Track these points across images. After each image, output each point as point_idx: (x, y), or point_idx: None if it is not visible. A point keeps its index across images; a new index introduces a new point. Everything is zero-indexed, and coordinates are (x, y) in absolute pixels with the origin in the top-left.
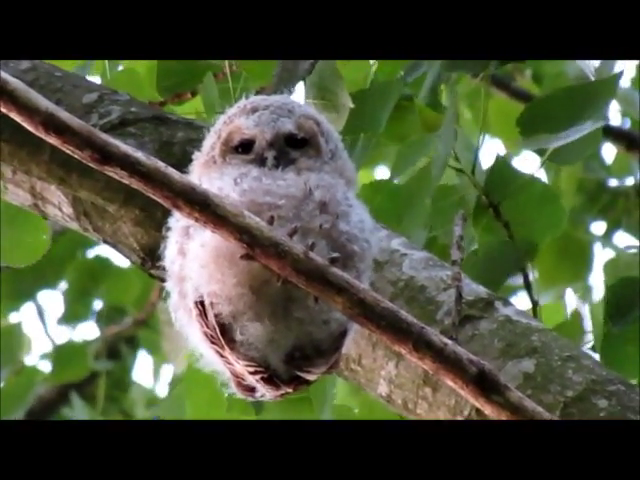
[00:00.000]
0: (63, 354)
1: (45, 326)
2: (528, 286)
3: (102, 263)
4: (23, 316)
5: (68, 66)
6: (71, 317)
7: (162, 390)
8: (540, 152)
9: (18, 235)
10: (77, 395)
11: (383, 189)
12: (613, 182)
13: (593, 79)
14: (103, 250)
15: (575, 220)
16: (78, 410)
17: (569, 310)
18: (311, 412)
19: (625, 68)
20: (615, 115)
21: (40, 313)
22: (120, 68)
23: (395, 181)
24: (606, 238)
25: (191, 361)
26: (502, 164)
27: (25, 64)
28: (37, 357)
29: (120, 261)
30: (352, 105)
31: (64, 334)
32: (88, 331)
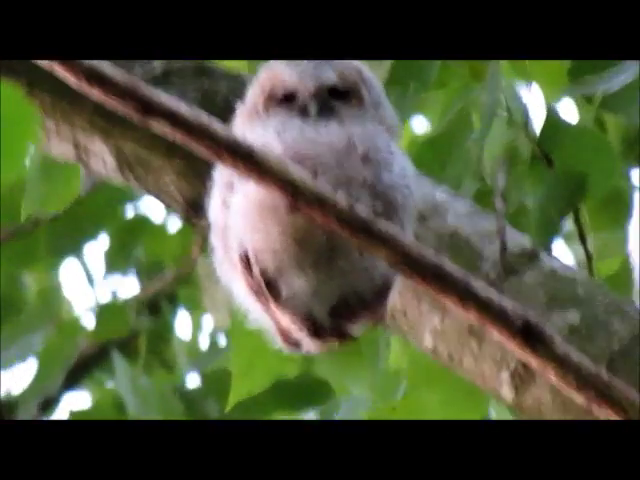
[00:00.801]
0: (105, 311)
1: (88, 281)
2: (582, 234)
3: (141, 220)
4: (64, 272)
5: None
6: (112, 273)
7: (204, 343)
8: (589, 101)
9: (51, 183)
10: (118, 352)
11: (422, 140)
12: None
13: None
14: (142, 207)
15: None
16: (119, 366)
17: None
18: (361, 367)
19: None
20: None
21: (82, 268)
22: None
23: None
24: None
25: (235, 314)
26: (553, 114)
27: None
28: (79, 313)
29: (160, 217)
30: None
31: (105, 291)
32: (129, 287)
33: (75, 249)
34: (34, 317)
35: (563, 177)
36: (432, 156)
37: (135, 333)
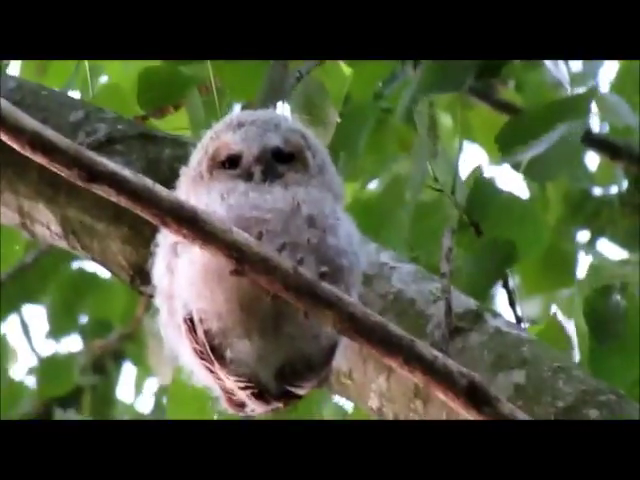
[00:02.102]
0: (48, 368)
1: (30, 340)
2: (511, 299)
3: (87, 277)
4: (7, 329)
5: (55, 77)
6: (56, 331)
7: (146, 405)
8: (518, 167)
9: None
10: (61, 411)
11: (357, 203)
12: (597, 191)
13: (568, 87)
14: (88, 264)
15: (561, 230)
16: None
17: (548, 318)
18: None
19: (604, 72)
20: (596, 121)
21: (25, 327)
22: (104, 80)
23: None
24: (590, 247)
25: (177, 376)
26: (482, 182)
27: (11, 83)
28: (22, 372)
29: (105, 274)
30: (338, 120)
31: (49, 349)
32: (73, 345)
33: (17, 308)
34: None
35: (491, 245)
36: (366, 222)
37: (79, 391)
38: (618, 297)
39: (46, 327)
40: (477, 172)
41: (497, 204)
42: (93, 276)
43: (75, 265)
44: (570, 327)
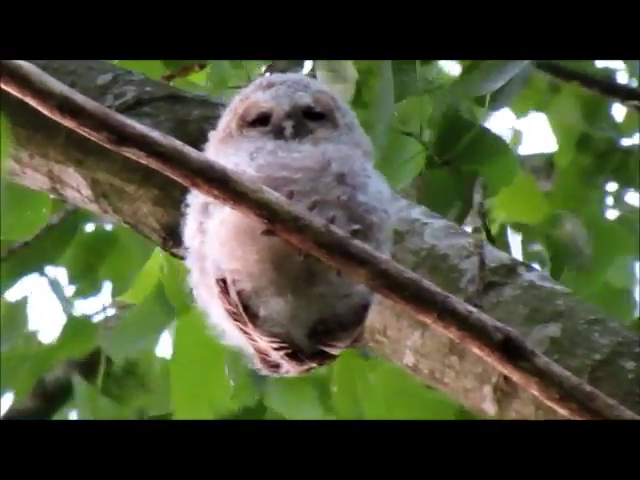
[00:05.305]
0: (70, 329)
1: (60, 301)
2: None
3: (106, 237)
4: (32, 291)
5: None
6: (78, 292)
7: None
8: (481, 102)
9: (19, 211)
10: (80, 378)
11: None
12: (625, 142)
13: None
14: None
15: (587, 181)
16: (80, 389)
17: None
18: (312, 397)
19: None
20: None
21: (54, 287)
22: None
23: None
24: (618, 198)
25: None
26: (453, 116)
27: None
28: (45, 332)
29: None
30: (357, 77)
31: (72, 309)
32: (95, 306)
33: (41, 268)
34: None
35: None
36: None
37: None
38: None
39: (67, 288)
40: (446, 108)
41: (468, 138)
42: (112, 235)
43: (90, 227)
44: None
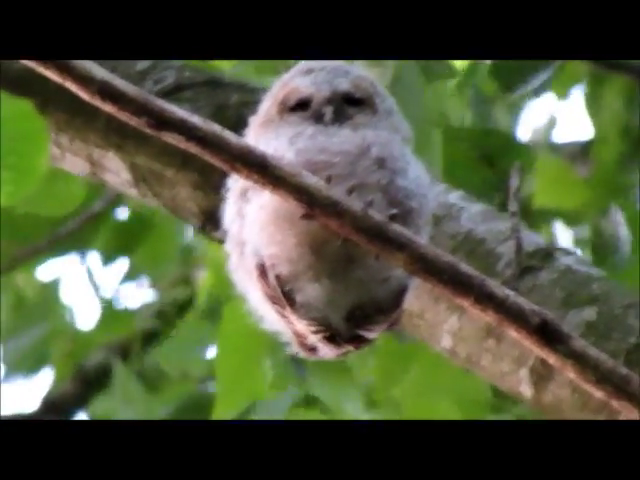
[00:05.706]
0: (110, 314)
1: (96, 289)
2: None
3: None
4: (66, 273)
5: None
6: (117, 277)
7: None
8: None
9: (54, 189)
10: (119, 363)
11: None
12: None
13: None
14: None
15: (624, 167)
16: (119, 375)
17: None
18: (352, 383)
19: None
20: None
21: (90, 275)
22: None
23: None
24: None
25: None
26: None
27: None
28: (89, 322)
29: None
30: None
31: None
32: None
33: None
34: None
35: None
36: None
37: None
38: None
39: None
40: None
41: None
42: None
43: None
44: None
